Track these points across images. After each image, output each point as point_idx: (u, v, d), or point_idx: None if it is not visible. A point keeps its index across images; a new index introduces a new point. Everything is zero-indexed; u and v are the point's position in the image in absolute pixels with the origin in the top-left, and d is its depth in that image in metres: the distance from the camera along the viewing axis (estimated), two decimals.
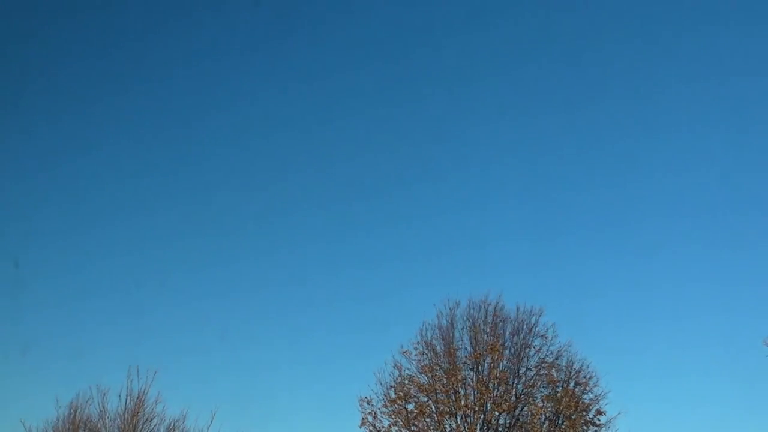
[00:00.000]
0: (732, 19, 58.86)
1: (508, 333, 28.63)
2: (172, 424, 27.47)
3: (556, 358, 28.42)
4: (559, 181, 60.54)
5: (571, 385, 27.99)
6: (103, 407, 27.32)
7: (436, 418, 27.49)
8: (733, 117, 59.13)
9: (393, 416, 28.11)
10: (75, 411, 27.50)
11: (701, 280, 52.96)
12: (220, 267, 58.48)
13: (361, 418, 28.41)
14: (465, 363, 28.09)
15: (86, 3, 67.80)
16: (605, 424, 27.85)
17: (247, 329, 54.47)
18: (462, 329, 28.94)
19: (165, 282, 58.54)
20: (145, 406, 27.35)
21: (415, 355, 28.90)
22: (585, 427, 27.63)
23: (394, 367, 28.86)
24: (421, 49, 66.36)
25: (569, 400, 27.43)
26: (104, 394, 27.48)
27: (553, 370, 28.12)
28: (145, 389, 27.44)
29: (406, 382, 28.40)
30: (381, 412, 28.32)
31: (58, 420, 27.63)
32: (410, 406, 28.06)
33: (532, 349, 28.47)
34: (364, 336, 51.04)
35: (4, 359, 43.05)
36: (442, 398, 27.70)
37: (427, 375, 28.26)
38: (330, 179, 64.18)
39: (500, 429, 27.30)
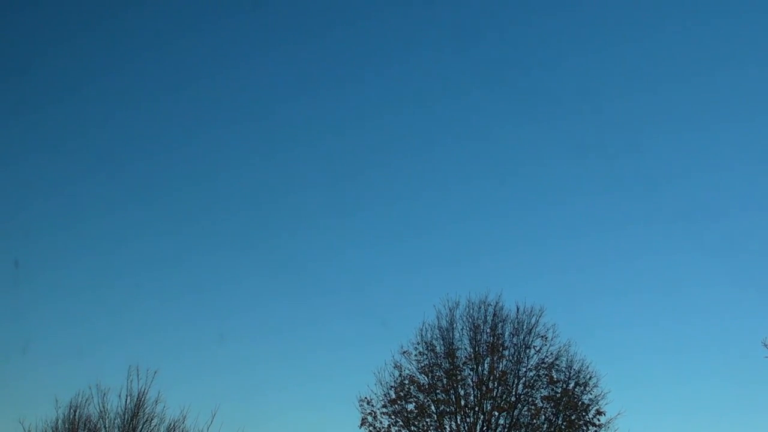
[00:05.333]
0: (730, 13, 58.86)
1: (507, 333, 28.68)
2: (172, 424, 27.50)
3: (556, 359, 28.43)
4: (558, 182, 60.60)
5: (571, 385, 28.02)
6: (103, 407, 27.37)
7: (436, 418, 27.53)
8: (729, 117, 59.21)
9: (393, 416, 28.16)
10: (75, 411, 27.52)
11: (701, 281, 52.99)
12: (220, 268, 58.55)
13: (360, 418, 28.51)
14: (465, 363, 28.14)
15: (85, 11, 67.79)
16: (605, 425, 27.85)
17: (247, 329, 54.48)
18: (462, 329, 28.99)
19: (165, 282, 58.57)
20: (145, 406, 27.43)
21: (415, 355, 28.99)
22: (585, 428, 27.64)
23: (394, 368, 28.97)
24: (423, 54, 66.33)
25: (569, 401, 27.48)
26: (104, 394, 27.52)
27: (553, 371, 28.14)
28: (145, 389, 27.52)
29: (406, 382, 28.44)
30: (381, 413, 28.40)
31: (57, 420, 27.66)
32: (410, 406, 28.12)
33: (532, 349, 28.51)
34: (364, 337, 51.05)
35: (4, 359, 43.00)
36: (442, 398, 27.75)
37: (427, 375, 28.33)
38: (332, 186, 64.24)
39: (500, 429, 27.34)
